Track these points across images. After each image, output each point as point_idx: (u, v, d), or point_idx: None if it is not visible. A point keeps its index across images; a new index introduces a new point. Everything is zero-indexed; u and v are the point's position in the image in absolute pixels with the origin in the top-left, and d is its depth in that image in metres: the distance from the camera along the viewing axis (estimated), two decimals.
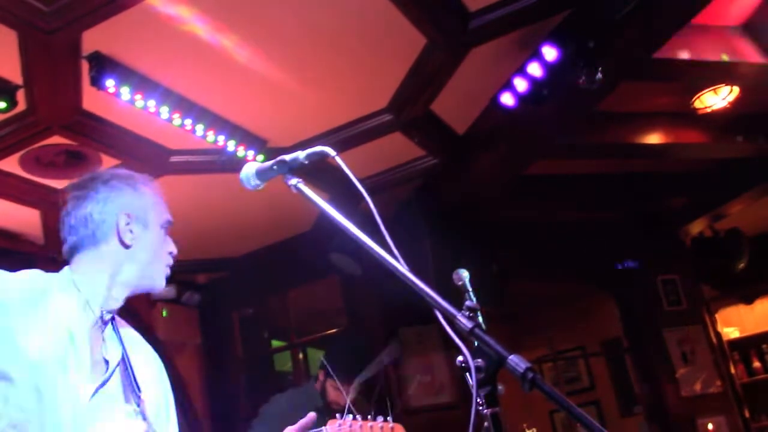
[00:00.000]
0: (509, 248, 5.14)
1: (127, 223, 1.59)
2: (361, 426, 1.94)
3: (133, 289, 1.61)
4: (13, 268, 1.50)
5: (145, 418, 1.55)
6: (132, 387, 1.56)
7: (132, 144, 3.55)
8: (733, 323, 7.12)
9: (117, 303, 1.59)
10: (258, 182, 1.48)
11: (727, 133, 4.53)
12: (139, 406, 1.54)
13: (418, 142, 3.96)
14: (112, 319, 1.60)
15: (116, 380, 1.53)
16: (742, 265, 5.68)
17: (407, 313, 4.87)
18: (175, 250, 1.69)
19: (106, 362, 1.52)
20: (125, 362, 1.58)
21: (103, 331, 1.56)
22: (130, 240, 1.58)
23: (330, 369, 3.53)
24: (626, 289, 5.92)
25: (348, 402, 3.31)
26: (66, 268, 1.57)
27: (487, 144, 4.09)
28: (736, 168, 5.00)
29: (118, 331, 1.61)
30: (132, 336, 1.66)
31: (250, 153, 3.65)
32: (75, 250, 1.58)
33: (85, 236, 1.57)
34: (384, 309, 5.06)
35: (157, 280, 1.64)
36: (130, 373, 1.58)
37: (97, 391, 1.46)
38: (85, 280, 1.54)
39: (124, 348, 1.60)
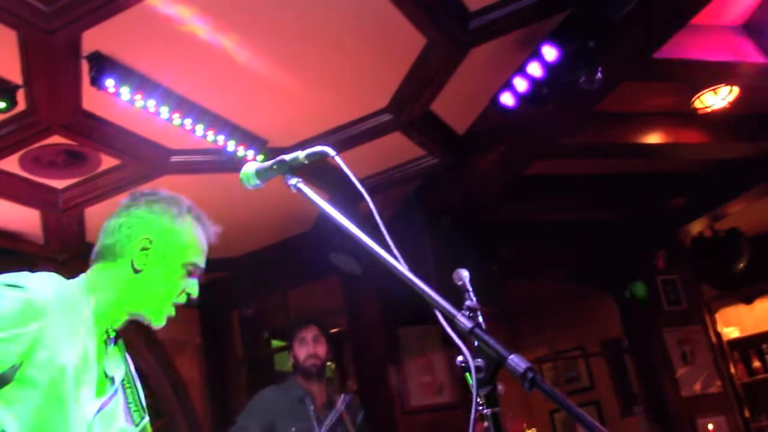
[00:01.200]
0: (509, 248, 5.13)
1: (144, 248, 1.56)
2: None
3: (135, 316, 1.58)
4: (13, 268, 1.49)
5: None
6: (134, 406, 1.54)
7: (132, 144, 3.54)
8: (733, 323, 7.12)
9: (120, 323, 1.57)
10: (258, 182, 1.48)
11: (727, 133, 4.53)
12: (137, 426, 1.53)
13: (418, 142, 3.96)
14: (117, 336, 1.59)
15: (119, 399, 1.52)
16: (742, 265, 5.68)
17: (407, 313, 4.87)
18: (195, 294, 1.63)
19: (111, 380, 1.51)
20: (131, 381, 1.57)
21: (108, 346, 1.54)
22: (140, 265, 1.55)
23: (292, 330, 3.81)
24: (626, 289, 5.92)
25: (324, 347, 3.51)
26: (83, 276, 1.56)
27: (487, 144, 4.09)
28: (736, 168, 5.00)
29: (123, 349, 1.60)
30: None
31: (250, 153, 3.65)
32: (97, 257, 1.58)
33: (108, 246, 1.57)
34: (384, 309, 5.06)
35: (155, 317, 1.58)
36: (136, 393, 1.57)
37: (101, 408, 1.45)
38: (97, 294, 1.52)
39: (128, 366, 1.59)
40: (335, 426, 3.55)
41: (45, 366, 1.34)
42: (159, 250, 1.57)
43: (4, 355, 1.30)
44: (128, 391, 1.55)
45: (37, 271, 1.52)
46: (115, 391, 1.51)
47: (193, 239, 1.64)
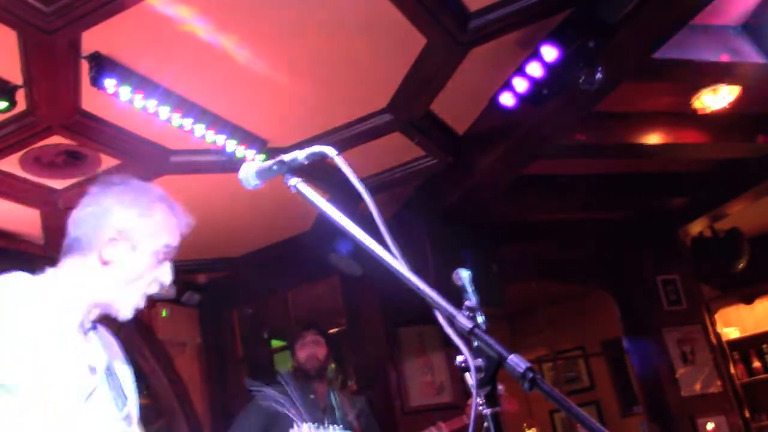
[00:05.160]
0: (509, 248, 5.13)
1: (113, 239, 1.53)
2: None
3: (103, 308, 1.55)
4: (13, 268, 1.49)
5: (130, 424, 1.55)
6: (116, 394, 1.54)
7: (132, 144, 3.54)
8: (733, 323, 7.13)
9: (92, 315, 1.56)
10: (257, 182, 1.47)
11: (727, 133, 4.53)
12: (121, 412, 1.53)
13: (418, 142, 3.96)
14: (94, 326, 1.57)
15: (104, 387, 1.51)
16: (742, 265, 5.68)
17: (407, 313, 4.87)
18: (167, 280, 1.59)
19: (92, 369, 1.50)
20: (110, 369, 1.56)
21: (85, 337, 1.53)
22: (108, 257, 1.52)
23: (293, 335, 3.92)
24: (626, 289, 5.92)
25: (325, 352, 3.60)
26: (50, 271, 1.53)
27: (487, 144, 4.09)
28: (736, 168, 5.00)
29: (101, 338, 1.59)
30: (109, 341, 1.64)
31: (250, 153, 3.64)
32: (67, 251, 1.55)
33: (76, 239, 1.54)
34: (384, 309, 5.06)
35: (123, 307, 1.55)
36: (116, 380, 1.56)
37: (88, 397, 1.45)
38: (67, 288, 1.50)
39: (109, 355, 1.58)
40: (333, 413, 3.63)
41: (20, 366, 1.32)
42: (129, 242, 1.54)
43: None
44: (109, 379, 1.54)
45: (38, 271, 1.52)
46: (99, 380, 1.50)
47: (162, 227, 1.58)
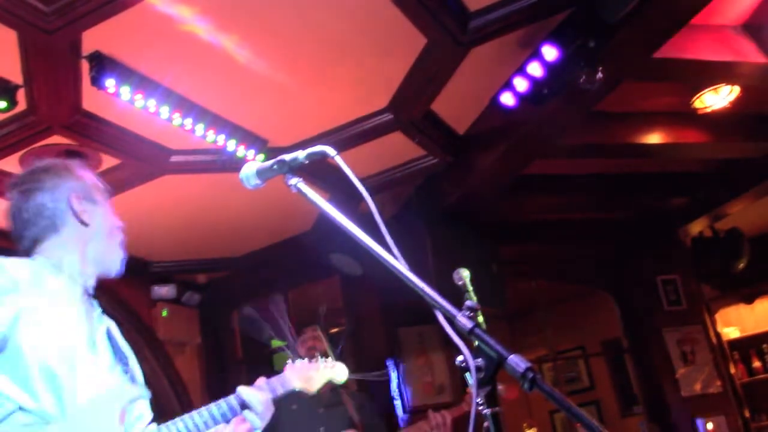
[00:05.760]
0: (509, 248, 5.13)
1: (79, 204, 1.65)
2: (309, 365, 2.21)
3: (101, 265, 1.68)
4: None
5: (134, 382, 1.65)
6: (119, 356, 1.65)
7: (132, 144, 3.54)
8: (733, 323, 7.12)
9: (92, 280, 1.67)
10: (258, 182, 1.48)
11: (727, 133, 4.53)
12: (127, 372, 1.64)
13: (418, 142, 3.96)
14: (94, 294, 1.68)
15: (107, 350, 1.62)
16: (742, 265, 5.68)
17: (407, 313, 4.87)
18: (121, 224, 1.75)
19: (95, 329, 1.61)
20: (109, 332, 1.67)
21: (90, 306, 1.64)
22: (87, 218, 1.65)
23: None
24: (626, 289, 5.92)
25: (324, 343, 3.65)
26: (37, 256, 1.62)
27: (487, 144, 4.09)
28: (736, 168, 5.00)
29: (99, 305, 1.70)
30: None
31: (250, 153, 3.64)
32: (38, 241, 1.64)
33: (45, 226, 1.63)
34: (384, 309, 5.06)
35: (114, 259, 1.71)
36: (116, 343, 1.67)
37: (97, 357, 1.55)
38: (62, 262, 1.60)
39: (107, 320, 1.70)
40: (336, 405, 3.66)
41: (34, 336, 1.42)
42: (88, 199, 1.69)
43: None
44: (111, 342, 1.66)
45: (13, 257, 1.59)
46: (105, 344, 1.62)
47: (93, 176, 1.76)
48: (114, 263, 1.70)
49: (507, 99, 3.43)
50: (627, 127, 4.33)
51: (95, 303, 1.68)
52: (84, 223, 1.65)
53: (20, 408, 1.38)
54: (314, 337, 3.83)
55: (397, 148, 4.02)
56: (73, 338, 1.50)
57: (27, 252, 1.64)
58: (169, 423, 1.70)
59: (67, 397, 1.41)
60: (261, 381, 1.98)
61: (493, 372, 1.10)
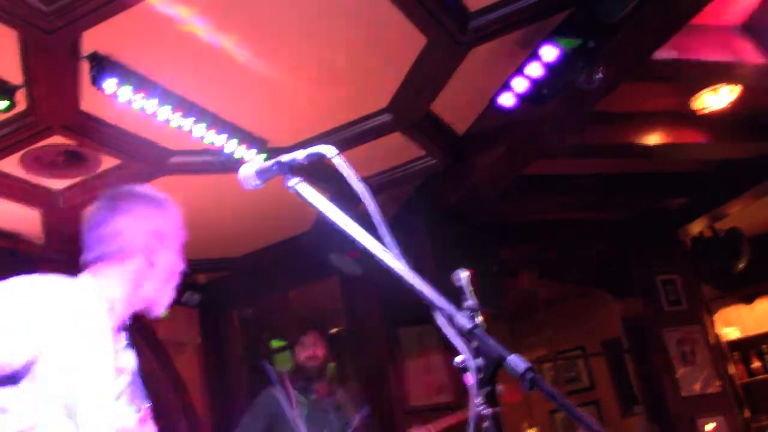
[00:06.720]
0: (510, 248, 5.13)
1: (156, 243, 1.64)
2: None
3: (148, 303, 1.67)
4: (13, 268, 1.51)
5: (144, 423, 1.60)
6: (139, 395, 1.61)
7: (132, 144, 3.54)
8: (733, 323, 7.12)
9: (128, 314, 1.64)
10: (257, 182, 1.47)
11: (727, 133, 4.53)
12: (141, 411, 1.60)
13: (418, 142, 3.96)
14: (126, 326, 1.65)
15: (128, 388, 1.58)
16: (742, 265, 5.68)
17: (407, 313, 4.87)
18: (183, 268, 1.74)
19: (120, 370, 1.57)
20: (136, 371, 1.64)
21: (120, 341, 1.61)
22: (156, 259, 1.64)
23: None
24: (626, 289, 5.92)
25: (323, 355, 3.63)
26: (87, 275, 1.60)
27: (487, 144, 4.09)
28: (736, 168, 5.00)
29: (131, 340, 1.66)
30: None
31: (250, 153, 3.65)
32: (99, 259, 1.62)
33: (113, 251, 1.61)
34: (384, 309, 5.06)
35: (162, 303, 1.70)
36: (139, 381, 1.64)
37: (117, 397, 1.51)
38: (109, 290, 1.58)
39: (130, 353, 1.65)
40: (331, 412, 3.66)
41: (59, 368, 1.39)
42: (164, 241, 1.67)
43: (17, 347, 1.36)
44: (135, 379, 1.63)
45: (37, 271, 1.54)
46: (126, 381, 1.58)
47: (179, 225, 1.74)
48: (162, 305, 1.70)
49: (507, 99, 3.43)
50: (627, 127, 4.33)
51: (125, 335, 1.65)
52: (151, 264, 1.64)
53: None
54: (314, 343, 3.84)
55: (397, 149, 4.02)
56: (100, 378, 1.47)
57: (83, 263, 1.62)
58: None
59: None
60: None
61: (492, 372, 1.10)
